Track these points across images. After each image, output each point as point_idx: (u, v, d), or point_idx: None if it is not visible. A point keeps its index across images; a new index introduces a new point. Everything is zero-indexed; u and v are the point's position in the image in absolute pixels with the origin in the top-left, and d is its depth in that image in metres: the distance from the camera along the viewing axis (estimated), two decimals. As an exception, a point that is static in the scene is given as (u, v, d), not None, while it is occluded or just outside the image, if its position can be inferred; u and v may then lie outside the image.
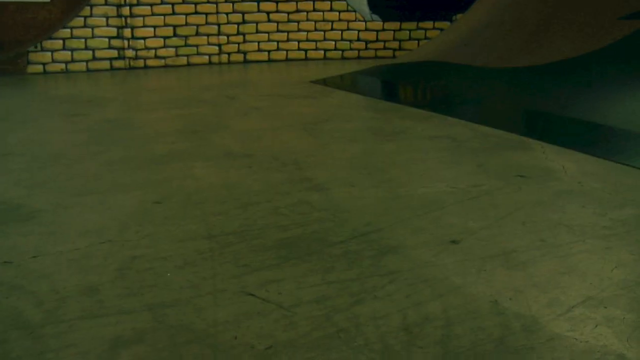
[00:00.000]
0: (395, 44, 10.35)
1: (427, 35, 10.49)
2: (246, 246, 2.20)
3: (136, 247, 2.21)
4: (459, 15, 10.17)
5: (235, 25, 9.35)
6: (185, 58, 9.20)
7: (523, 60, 5.88)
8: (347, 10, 9.95)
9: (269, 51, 9.56)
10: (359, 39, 10.09)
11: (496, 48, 6.38)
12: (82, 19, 8.60)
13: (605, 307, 1.75)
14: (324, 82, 6.82)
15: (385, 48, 10.22)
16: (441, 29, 10.35)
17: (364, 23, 10.09)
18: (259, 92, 6.30)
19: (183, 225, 2.43)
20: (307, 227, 2.37)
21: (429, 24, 10.62)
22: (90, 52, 8.75)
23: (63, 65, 8.63)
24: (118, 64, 8.91)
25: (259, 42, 9.47)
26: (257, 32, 9.44)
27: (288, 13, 9.58)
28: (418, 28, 10.53)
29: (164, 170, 3.30)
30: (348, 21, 9.99)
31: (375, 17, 10.12)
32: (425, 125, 4.39)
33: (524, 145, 3.81)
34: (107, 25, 8.78)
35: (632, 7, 5.63)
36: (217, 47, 9.31)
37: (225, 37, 9.32)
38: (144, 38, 8.95)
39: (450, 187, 2.91)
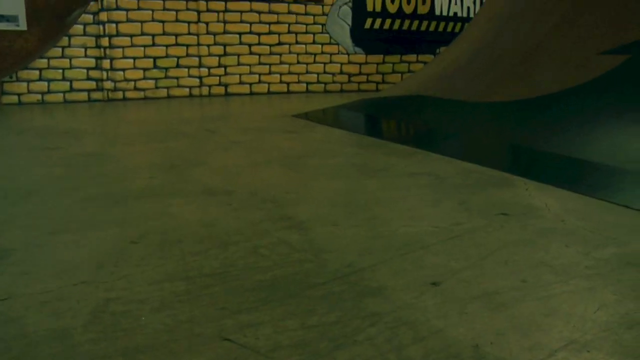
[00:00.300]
0: (378, 77, 10.51)
1: (411, 68, 10.68)
2: (224, 288, 2.20)
3: (111, 289, 2.19)
4: (442, 49, 10.38)
5: (217, 58, 9.44)
6: (166, 90, 9.26)
7: (506, 94, 5.98)
8: (330, 43, 10.11)
9: (250, 84, 9.65)
10: (341, 72, 10.23)
11: (480, 82, 6.49)
12: (60, 49, 8.65)
13: (588, 351, 1.76)
14: (306, 116, 6.88)
15: (368, 81, 10.38)
16: (425, 62, 10.55)
17: (346, 56, 10.25)
18: (239, 126, 6.34)
19: (160, 266, 2.42)
20: (287, 268, 2.38)
21: (412, 57, 10.82)
22: (68, 83, 8.78)
23: (39, 96, 8.64)
24: (96, 95, 8.95)
25: (240, 75, 9.57)
26: (239, 64, 9.54)
27: (270, 45, 9.71)
28: (401, 61, 10.72)
29: (141, 207, 3.30)
30: (331, 54, 10.14)
31: (358, 50, 10.28)
32: (408, 162, 4.44)
33: (506, 181, 3.87)
34: (86, 56, 8.83)
35: (616, 42, 5.77)
36: (197, 80, 9.39)
37: (207, 70, 9.41)
38: (123, 69, 9.01)
39: (432, 225, 2.94)
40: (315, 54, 10.01)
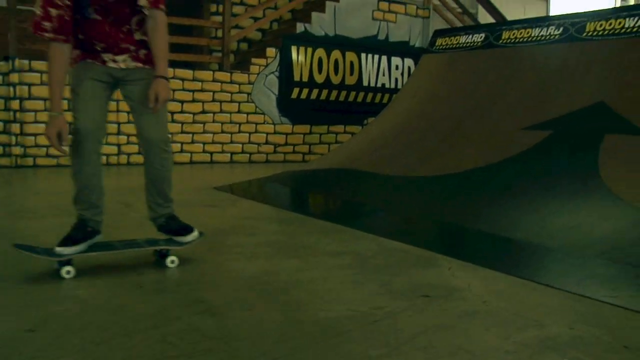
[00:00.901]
0: (305, 148, 10.68)
1: (338, 139, 10.91)
2: (127, 382, 2.14)
3: (1, 386, 2.10)
4: (370, 120, 10.69)
5: (137, 125, 9.37)
6: (80, 158, 9.07)
7: (433, 169, 6.19)
8: (256, 113, 10.24)
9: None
10: (267, 142, 10.35)
11: (406, 156, 6.70)
12: (-35, 111, 8.42)
13: None
14: (230, 188, 6.89)
15: (294, 152, 10.51)
16: (352, 133, 10.81)
17: (272, 126, 10.39)
18: (157, 199, 6.26)
19: (58, 358, 2.34)
20: (197, 359, 2.34)
21: (340, 128, 11.07)
22: (-28, 148, 8.52)
23: (-62, 163, 8.34)
24: (3, 161, 8.70)
25: (161, 143, 9.51)
26: (160, 132, 9.50)
27: (193, 114, 9.75)
28: (329, 132, 10.95)
29: (43, 290, 3.19)
30: (256, 123, 10.26)
31: (284, 119, 10.46)
32: (331, 240, 4.49)
33: (430, 261, 3.96)
34: (-7, 119, 8.62)
35: (538, 118, 6.11)
36: (116, 147, 9.28)
37: (125, 137, 9.32)
38: (35, 135, 8.82)
39: (352, 309, 2.96)
40: (240, 124, 10.10)
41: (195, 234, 3.80)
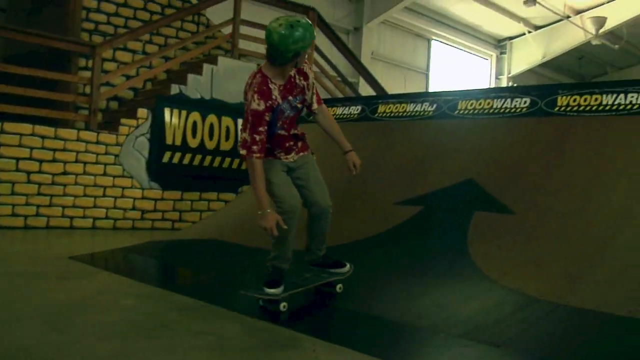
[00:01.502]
0: (175, 215, 10.53)
1: (211, 206, 10.86)
2: None
3: None
4: (244, 188, 10.74)
5: (-14, 185, 8.92)
6: None
7: (304, 243, 6.24)
8: (123, 176, 10.02)
9: (25, 216, 9.16)
10: (134, 208, 10.11)
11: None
12: None
13: None
14: (87, 259, 6.63)
15: (163, 219, 10.33)
16: (226, 201, 10.80)
17: (141, 190, 10.20)
18: (3, 269, 5.94)
19: None
20: None
21: (213, 195, 11.03)
22: None
23: None
24: None
25: (13, 206, 9.05)
26: (13, 193, 9.05)
27: (53, 175, 9.39)
28: (201, 199, 10.88)
29: None
30: (123, 187, 10.03)
31: (154, 184, 10.29)
32: (193, 318, 4.42)
33: (294, 342, 3.96)
34: None
35: (409, 193, 6.37)
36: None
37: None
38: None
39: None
40: (105, 187, 9.80)
41: (347, 267, 4.94)
